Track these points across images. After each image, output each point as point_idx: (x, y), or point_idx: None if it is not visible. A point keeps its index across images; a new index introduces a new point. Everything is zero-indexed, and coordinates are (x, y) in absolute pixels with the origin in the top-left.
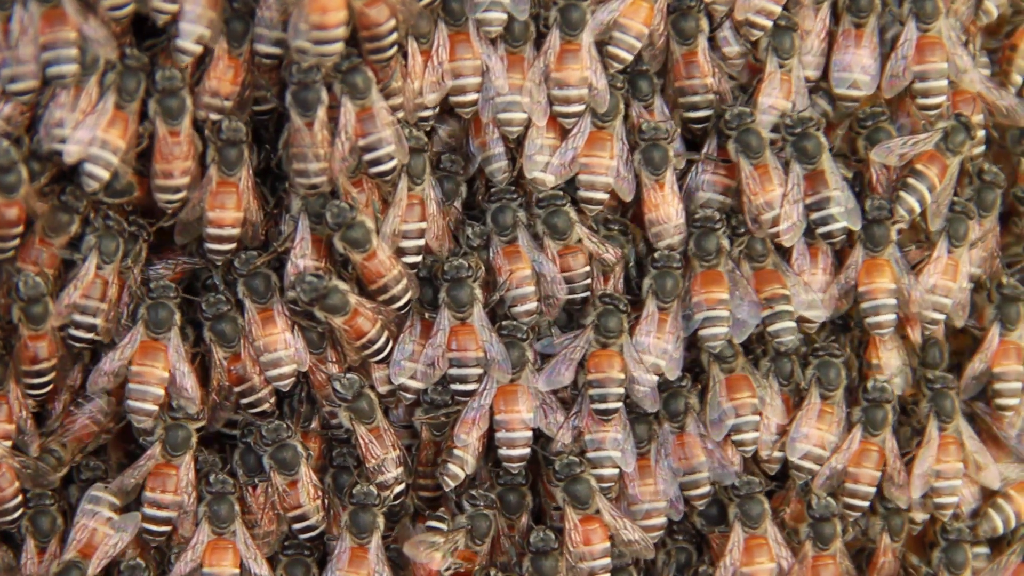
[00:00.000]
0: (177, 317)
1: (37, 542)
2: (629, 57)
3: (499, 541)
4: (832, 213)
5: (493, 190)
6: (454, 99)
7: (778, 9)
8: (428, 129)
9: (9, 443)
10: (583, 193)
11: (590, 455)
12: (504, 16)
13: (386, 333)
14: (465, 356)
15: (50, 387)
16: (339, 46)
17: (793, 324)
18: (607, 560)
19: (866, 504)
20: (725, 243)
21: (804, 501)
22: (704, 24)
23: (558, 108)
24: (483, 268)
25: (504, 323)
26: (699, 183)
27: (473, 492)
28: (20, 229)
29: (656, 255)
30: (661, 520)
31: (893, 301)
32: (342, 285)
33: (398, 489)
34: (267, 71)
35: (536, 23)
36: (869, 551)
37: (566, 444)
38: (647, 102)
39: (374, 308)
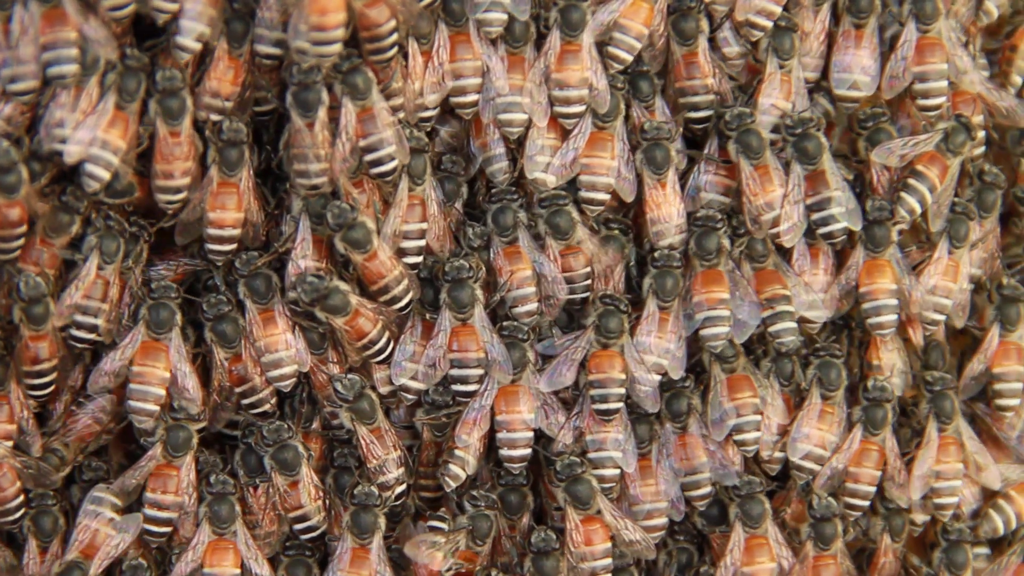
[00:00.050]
0: (178, 317)
1: (39, 542)
2: (629, 58)
3: (500, 541)
4: (833, 213)
5: (494, 191)
6: (455, 100)
7: (778, 10)
8: (429, 130)
9: (10, 443)
10: (584, 194)
11: (591, 455)
12: (505, 17)
13: (387, 334)
14: (466, 357)
15: (51, 387)
16: (339, 47)
17: (794, 325)
18: (608, 560)
19: (867, 504)
20: (726, 243)
21: (805, 501)
22: (704, 25)
23: (559, 109)
24: (484, 269)
25: (505, 324)
26: (700, 183)
27: (474, 492)
28: (23, 229)
29: (656, 254)
30: (662, 520)
31: (894, 302)
32: (343, 286)
33: (399, 489)
34: (267, 72)
35: (536, 24)
36: (870, 551)
37: (567, 444)
38: (648, 103)
39: (375, 309)
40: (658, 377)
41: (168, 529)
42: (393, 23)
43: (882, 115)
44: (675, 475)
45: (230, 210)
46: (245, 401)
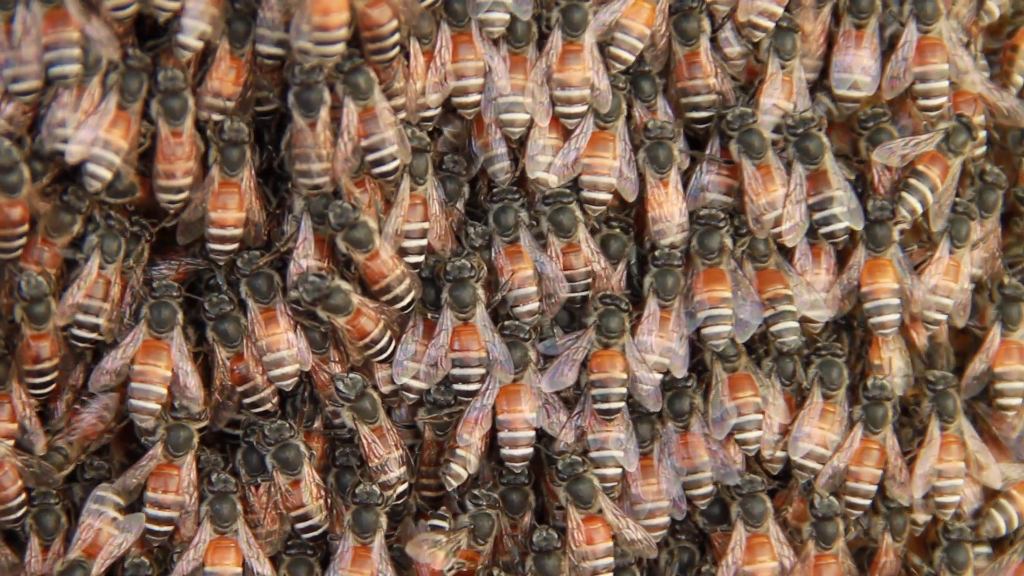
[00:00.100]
0: (180, 316)
1: (41, 541)
2: (631, 58)
3: (502, 540)
4: (835, 213)
5: (495, 190)
6: (456, 100)
7: (780, 10)
8: (431, 129)
9: (11, 442)
10: (586, 194)
11: (593, 455)
12: (507, 17)
13: (389, 333)
14: (468, 356)
15: (53, 386)
16: (341, 47)
17: (796, 324)
18: (610, 559)
19: (868, 503)
20: (728, 242)
21: (807, 500)
22: (706, 25)
23: (560, 109)
24: (485, 268)
25: (506, 323)
26: (703, 183)
27: (476, 492)
28: (25, 229)
29: (656, 253)
30: (664, 519)
31: (896, 301)
32: (345, 285)
33: (401, 489)
34: (269, 72)
35: (538, 24)
36: (871, 551)
37: (569, 444)
38: (650, 103)
39: (377, 308)
40: (659, 376)
41: (169, 528)
42: (395, 23)
43: (883, 115)
44: (677, 474)
45: (232, 210)
46: (247, 400)
